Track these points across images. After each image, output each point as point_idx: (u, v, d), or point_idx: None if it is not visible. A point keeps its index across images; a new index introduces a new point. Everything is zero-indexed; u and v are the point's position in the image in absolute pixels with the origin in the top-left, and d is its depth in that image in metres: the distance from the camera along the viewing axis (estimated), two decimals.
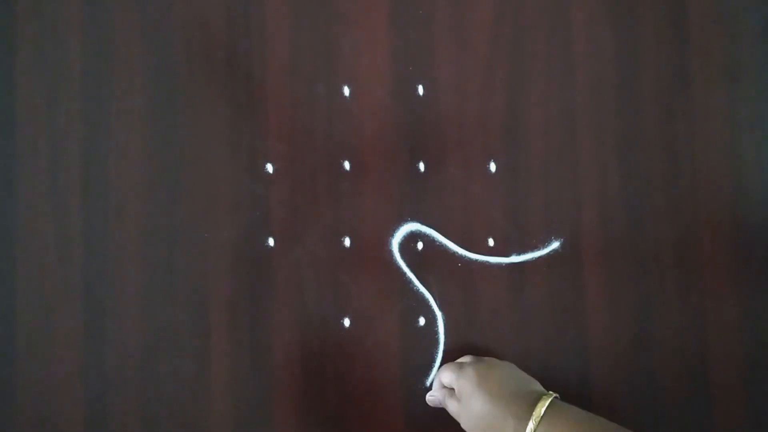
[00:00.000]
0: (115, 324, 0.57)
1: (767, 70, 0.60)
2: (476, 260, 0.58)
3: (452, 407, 0.53)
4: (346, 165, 0.58)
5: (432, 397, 0.56)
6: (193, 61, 0.58)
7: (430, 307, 0.58)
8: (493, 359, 0.55)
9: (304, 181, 0.58)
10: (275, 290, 0.57)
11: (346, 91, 0.58)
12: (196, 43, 0.58)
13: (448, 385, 0.54)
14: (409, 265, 0.58)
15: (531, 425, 0.47)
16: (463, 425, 0.51)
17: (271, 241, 0.57)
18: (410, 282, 0.58)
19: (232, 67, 0.58)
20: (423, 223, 0.58)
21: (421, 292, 0.58)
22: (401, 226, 0.58)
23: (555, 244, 0.58)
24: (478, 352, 0.58)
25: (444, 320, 0.58)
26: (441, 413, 0.55)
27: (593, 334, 0.58)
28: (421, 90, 0.59)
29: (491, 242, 0.58)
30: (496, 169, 0.59)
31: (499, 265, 0.58)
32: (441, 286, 0.58)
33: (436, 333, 0.58)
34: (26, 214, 0.57)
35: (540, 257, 0.58)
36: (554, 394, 0.50)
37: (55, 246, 0.57)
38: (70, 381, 0.56)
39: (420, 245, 0.58)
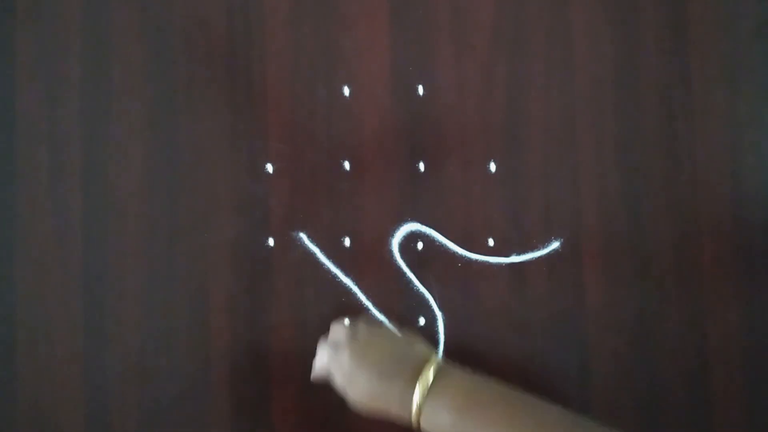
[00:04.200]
0: (115, 324, 0.57)
1: (766, 70, 0.60)
2: (476, 260, 0.58)
3: (338, 384, 0.49)
4: (346, 165, 0.58)
5: (316, 373, 0.53)
6: (193, 61, 0.58)
7: (430, 307, 0.58)
8: (368, 328, 0.51)
9: (304, 181, 0.58)
10: (275, 290, 0.57)
11: (346, 91, 0.58)
12: (196, 43, 0.58)
13: (324, 372, 0.51)
14: (409, 265, 0.58)
15: (417, 393, 0.44)
16: (350, 402, 0.48)
17: (271, 241, 0.57)
18: (410, 282, 0.58)
19: (232, 67, 0.58)
20: (423, 223, 0.58)
21: (421, 292, 0.58)
22: (401, 226, 0.58)
23: (555, 244, 0.58)
24: (478, 352, 0.58)
25: (444, 320, 0.58)
26: None
27: (593, 334, 0.58)
28: (421, 90, 0.59)
29: (491, 242, 0.58)
30: (496, 169, 0.59)
31: (499, 265, 0.58)
32: (441, 286, 0.58)
33: (436, 333, 0.58)
34: (26, 214, 0.57)
35: (540, 257, 0.58)
36: (437, 356, 0.47)
37: (55, 246, 0.57)
38: (70, 381, 0.56)
39: (420, 245, 0.58)
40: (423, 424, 0.44)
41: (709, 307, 0.59)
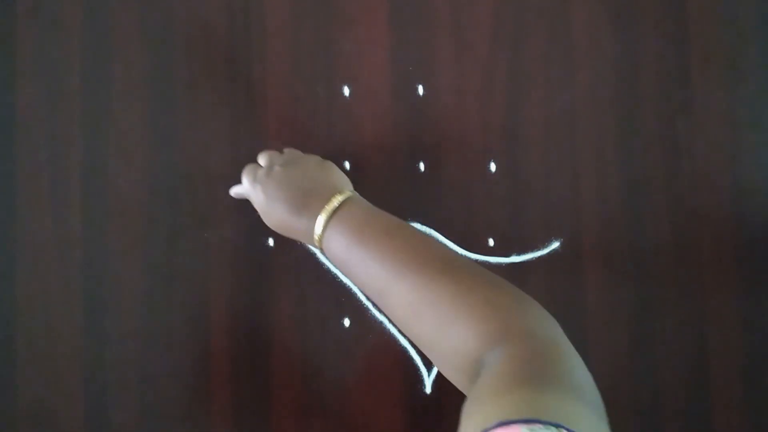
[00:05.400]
0: (115, 324, 0.57)
1: (767, 70, 0.60)
2: (476, 260, 0.58)
3: (258, 208, 0.52)
4: (346, 165, 0.58)
5: (234, 194, 0.55)
6: (193, 61, 0.58)
7: None
8: (287, 161, 0.52)
9: None
10: (275, 290, 0.57)
11: (346, 91, 0.58)
12: (196, 43, 0.58)
13: (243, 196, 0.54)
14: None
15: (321, 220, 0.46)
16: (266, 222, 0.52)
17: (271, 241, 0.57)
18: None
19: (232, 67, 0.58)
20: (423, 223, 0.58)
21: None
22: None
23: (555, 244, 0.58)
24: None
25: None
26: (441, 414, 0.55)
27: (593, 334, 0.58)
28: (421, 90, 0.59)
29: (491, 242, 0.58)
30: (496, 169, 0.59)
31: (499, 265, 0.58)
32: None
33: None
34: (26, 214, 0.57)
35: (540, 257, 0.58)
36: (352, 192, 0.49)
37: (55, 246, 0.57)
38: (70, 381, 0.56)
39: None
40: (324, 250, 0.47)
41: (709, 307, 0.59)
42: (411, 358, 0.57)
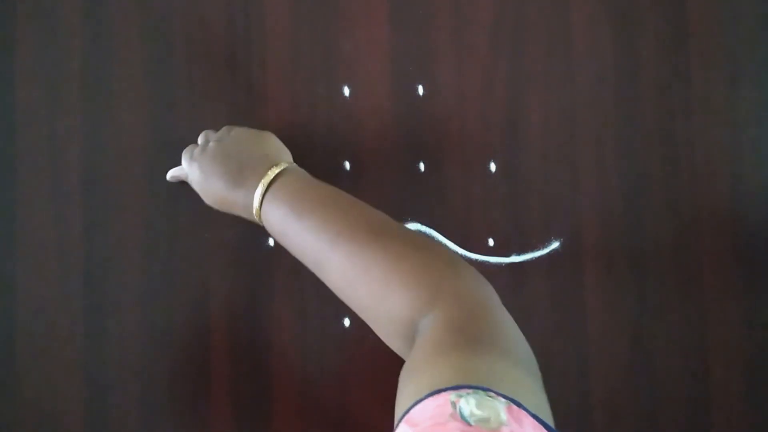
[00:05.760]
0: (115, 324, 0.57)
1: (767, 70, 0.60)
2: (476, 260, 0.58)
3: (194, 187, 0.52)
4: (346, 165, 0.58)
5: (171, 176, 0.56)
6: (193, 61, 0.58)
7: None
8: (222, 137, 0.52)
9: None
10: (275, 290, 0.57)
11: (346, 91, 0.58)
12: (196, 43, 0.58)
13: (181, 176, 0.54)
14: None
15: (258, 192, 0.46)
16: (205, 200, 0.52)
17: (271, 241, 0.57)
18: None
19: (232, 66, 0.58)
20: (423, 223, 0.58)
21: None
22: None
23: (555, 244, 0.58)
24: None
25: None
26: None
27: (593, 334, 0.58)
28: (421, 90, 0.59)
29: (491, 242, 0.58)
30: (496, 169, 0.59)
31: (499, 265, 0.58)
32: None
33: None
34: (26, 214, 0.57)
35: (540, 257, 0.58)
36: (289, 163, 0.49)
37: (55, 246, 0.57)
38: (70, 380, 0.56)
39: None
40: (263, 220, 0.47)
41: (709, 307, 0.59)
42: None
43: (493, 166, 0.59)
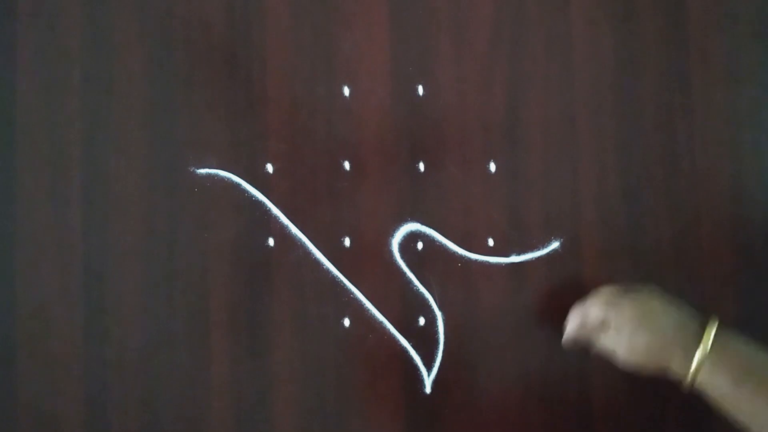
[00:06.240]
0: (115, 324, 0.57)
1: (766, 70, 0.60)
2: (476, 260, 0.58)
3: (608, 342, 0.52)
4: (346, 165, 0.58)
5: (572, 334, 0.55)
6: (193, 61, 0.58)
7: (430, 307, 0.58)
8: (640, 289, 0.53)
9: (304, 181, 0.58)
10: (275, 290, 0.57)
11: (346, 91, 0.58)
12: (196, 43, 0.58)
13: (599, 319, 0.53)
14: (409, 265, 0.58)
15: (699, 353, 0.47)
16: (620, 358, 0.51)
17: (271, 241, 0.57)
18: (410, 282, 0.58)
19: (232, 67, 0.58)
20: (423, 223, 0.58)
21: (421, 292, 0.58)
22: (401, 226, 0.58)
23: (555, 244, 0.58)
24: (478, 351, 0.58)
25: (444, 320, 0.58)
26: (441, 414, 0.55)
27: None
28: (421, 90, 0.59)
29: (491, 242, 0.58)
30: (496, 169, 0.59)
31: (499, 265, 0.58)
32: (441, 286, 0.58)
33: (436, 333, 0.58)
34: (26, 214, 0.57)
35: (540, 257, 0.58)
36: (716, 319, 0.50)
37: (55, 246, 0.57)
38: (70, 380, 0.56)
39: (420, 245, 0.58)
40: (700, 383, 0.48)
41: (709, 307, 0.58)
42: (411, 358, 0.57)
43: (493, 166, 0.59)
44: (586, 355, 0.58)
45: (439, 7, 0.59)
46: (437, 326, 0.58)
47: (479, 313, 0.58)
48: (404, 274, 0.58)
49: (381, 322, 0.57)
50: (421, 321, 0.58)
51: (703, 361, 0.47)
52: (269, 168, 0.58)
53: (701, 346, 0.48)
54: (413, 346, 0.57)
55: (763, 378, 0.46)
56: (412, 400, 0.57)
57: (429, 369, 0.57)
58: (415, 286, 0.58)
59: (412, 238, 0.58)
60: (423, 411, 0.57)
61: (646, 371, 0.51)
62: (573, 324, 0.54)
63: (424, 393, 0.57)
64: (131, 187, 0.57)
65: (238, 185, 0.57)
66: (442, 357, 0.57)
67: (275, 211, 0.57)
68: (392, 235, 0.58)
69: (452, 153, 0.58)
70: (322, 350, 0.57)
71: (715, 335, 0.48)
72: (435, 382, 0.57)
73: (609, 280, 0.58)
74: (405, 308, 0.58)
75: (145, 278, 0.57)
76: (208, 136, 0.58)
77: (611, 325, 0.52)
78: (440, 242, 0.58)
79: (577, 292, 0.58)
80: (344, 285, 0.57)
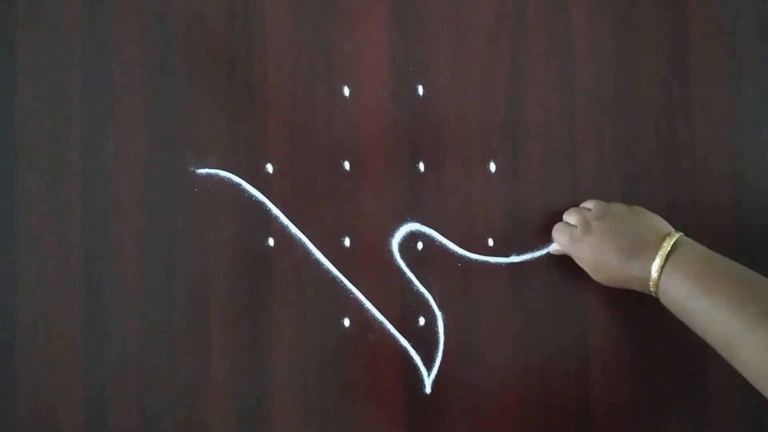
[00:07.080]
0: (115, 324, 0.57)
1: (766, 70, 0.60)
2: (476, 260, 0.58)
3: (582, 249, 0.53)
4: (346, 165, 0.58)
5: (557, 240, 0.56)
6: (193, 61, 0.58)
7: (430, 307, 0.58)
8: (608, 210, 0.54)
9: (304, 181, 0.58)
10: (275, 290, 0.57)
11: (346, 91, 0.58)
12: (196, 43, 0.58)
13: (564, 251, 0.56)
14: (409, 265, 0.58)
15: (656, 264, 0.47)
16: (589, 265, 0.53)
17: (271, 241, 0.57)
18: (410, 282, 0.58)
19: (232, 66, 0.58)
20: (423, 223, 0.58)
21: (421, 292, 0.58)
22: (401, 226, 0.58)
23: (555, 244, 0.58)
24: (478, 351, 0.58)
25: (444, 320, 0.58)
26: (441, 414, 0.55)
27: (593, 334, 0.58)
28: (421, 90, 0.59)
29: (491, 242, 0.58)
30: (496, 169, 0.59)
31: (499, 265, 0.58)
32: (441, 286, 0.58)
33: (436, 333, 0.58)
34: (26, 214, 0.57)
35: (540, 257, 0.58)
36: (679, 233, 0.50)
37: (55, 246, 0.57)
38: (70, 381, 0.56)
39: (420, 245, 0.58)
40: (661, 293, 0.48)
41: None
42: (411, 358, 0.57)
43: (493, 166, 0.59)
44: (585, 355, 0.58)
45: (439, 7, 0.59)
46: (437, 326, 0.58)
47: (479, 313, 0.58)
48: (404, 274, 0.58)
49: (381, 322, 0.57)
50: (421, 321, 0.58)
51: (662, 266, 0.47)
52: (269, 168, 0.58)
53: (660, 251, 0.48)
54: (413, 346, 0.57)
55: (720, 278, 0.45)
56: (412, 400, 0.57)
57: (429, 369, 0.57)
58: (415, 286, 0.58)
59: (412, 238, 0.58)
60: (423, 411, 0.57)
61: (617, 281, 0.52)
62: (555, 241, 0.57)
63: (424, 393, 0.57)
64: (131, 188, 0.57)
65: (238, 185, 0.57)
66: (442, 357, 0.57)
67: (275, 211, 0.57)
68: (392, 235, 0.58)
69: (452, 153, 0.58)
70: (322, 350, 0.57)
71: (678, 243, 0.48)
72: (435, 382, 0.57)
73: None
74: (405, 308, 0.58)
75: (145, 278, 0.57)
76: (208, 136, 0.58)
77: (581, 248, 0.53)
78: (440, 242, 0.58)
79: (577, 292, 0.58)
80: (344, 285, 0.57)
